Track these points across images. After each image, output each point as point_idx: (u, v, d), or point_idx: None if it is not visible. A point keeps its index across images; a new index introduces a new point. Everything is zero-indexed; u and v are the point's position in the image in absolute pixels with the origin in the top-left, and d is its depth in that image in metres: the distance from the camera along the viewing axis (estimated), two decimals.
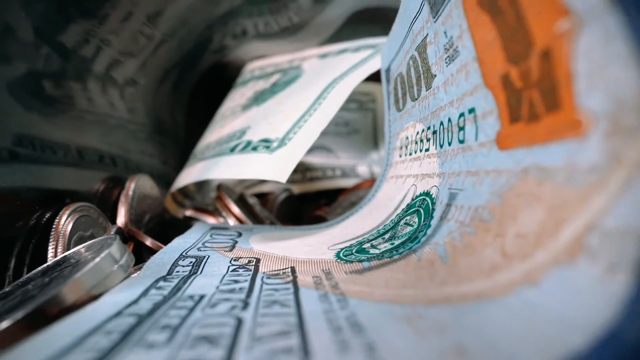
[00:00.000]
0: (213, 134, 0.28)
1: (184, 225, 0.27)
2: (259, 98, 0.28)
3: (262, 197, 0.32)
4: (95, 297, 0.11)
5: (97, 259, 0.12)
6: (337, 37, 0.34)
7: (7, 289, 0.14)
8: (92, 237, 0.19)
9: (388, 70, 0.21)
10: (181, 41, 0.34)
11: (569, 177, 0.08)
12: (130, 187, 0.23)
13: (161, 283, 0.12)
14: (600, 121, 0.07)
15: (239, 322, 0.08)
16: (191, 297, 0.10)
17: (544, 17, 0.08)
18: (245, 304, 0.10)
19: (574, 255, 0.07)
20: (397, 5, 0.18)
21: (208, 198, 0.32)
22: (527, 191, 0.09)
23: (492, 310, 0.08)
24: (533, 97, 0.09)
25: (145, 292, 0.11)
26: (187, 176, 0.25)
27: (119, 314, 0.09)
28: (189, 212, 0.25)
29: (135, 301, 0.10)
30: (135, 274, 0.13)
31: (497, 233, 0.09)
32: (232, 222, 0.23)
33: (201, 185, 0.32)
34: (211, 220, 0.24)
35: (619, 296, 0.06)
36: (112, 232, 0.19)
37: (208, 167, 0.23)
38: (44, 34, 0.22)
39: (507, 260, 0.09)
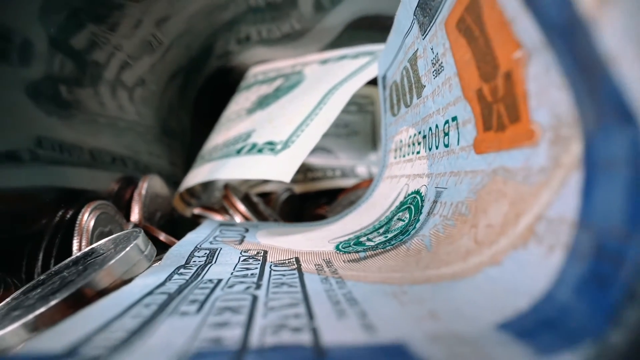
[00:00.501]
0: (220, 136, 0.30)
1: (192, 222, 0.28)
2: (263, 102, 0.30)
3: (265, 196, 0.34)
4: (125, 282, 0.13)
5: (127, 249, 0.13)
6: (337, 42, 0.35)
7: (41, 277, 0.16)
8: (110, 232, 0.21)
9: (384, 78, 0.23)
10: (187, 46, 0.35)
11: (525, 177, 0.09)
12: (143, 186, 0.24)
13: (182, 270, 0.14)
14: (546, 132, 0.09)
15: (254, 297, 0.10)
16: (210, 280, 0.12)
17: (505, 46, 0.10)
18: (258, 285, 0.11)
19: (527, 240, 0.09)
20: (393, 14, 0.19)
21: (213, 197, 0.34)
22: (496, 189, 0.11)
23: (462, 286, 0.09)
24: (500, 109, 0.10)
25: (169, 277, 0.13)
26: (196, 176, 0.27)
27: (151, 292, 0.11)
28: (197, 210, 0.27)
29: (162, 283, 0.12)
30: (156, 264, 0.15)
31: (472, 224, 0.11)
32: (238, 219, 0.25)
33: (207, 185, 0.34)
34: (218, 217, 0.26)
35: (555, 269, 0.08)
36: (130, 228, 0.21)
37: (216, 168, 0.25)
38: (59, 42, 0.23)
39: (479, 246, 0.10)
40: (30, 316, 0.11)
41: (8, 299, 0.14)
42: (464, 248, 0.11)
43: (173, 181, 0.33)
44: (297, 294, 0.10)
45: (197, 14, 0.34)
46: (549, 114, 0.08)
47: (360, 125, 0.40)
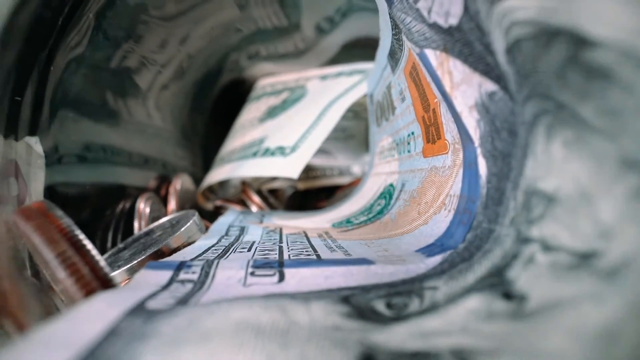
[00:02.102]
0: (236, 141, 0.37)
1: (211, 214, 0.35)
2: (272, 113, 0.37)
3: (273, 192, 0.41)
4: (189, 244, 0.20)
5: (189, 223, 0.20)
6: (335, 59, 0.42)
7: (120, 246, 0.23)
8: (158, 217, 0.28)
9: (372, 96, 0.30)
10: (205, 61, 0.43)
11: (443, 171, 0.16)
12: (177, 182, 0.32)
13: (224, 237, 0.21)
14: (450, 145, 0.16)
15: (280, 247, 0.17)
16: (247, 241, 0.19)
17: (430, 94, 0.17)
18: (280, 242, 0.18)
19: (441, 208, 0.16)
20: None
21: (228, 193, 0.41)
22: (430, 179, 0.18)
23: (405, 237, 0.17)
24: (432, 130, 0.18)
25: (219, 240, 0.20)
26: (218, 175, 0.34)
27: (212, 246, 0.18)
28: (219, 202, 0.34)
29: (217, 242, 0.19)
30: (204, 235, 0.22)
31: (417, 203, 0.18)
32: (254, 209, 0.32)
33: (223, 183, 0.41)
34: (237, 208, 0.33)
35: (448, 221, 0.15)
36: (173, 214, 0.28)
37: (236, 168, 0.32)
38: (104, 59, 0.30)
39: (419, 215, 0.18)
40: (134, 262, 0.18)
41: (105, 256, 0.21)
42: (411, 217, 0.18)
43: (195, 179, 0.40)
44: (306, 244, 0.17)
45: (215, 33, 0.41)
46: (450, 136, 0.16)
47: (356, 130, 0.47)
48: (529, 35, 0.09)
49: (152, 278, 0.12)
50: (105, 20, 0.26)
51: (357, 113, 0.48)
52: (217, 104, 0.47)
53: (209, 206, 0.37)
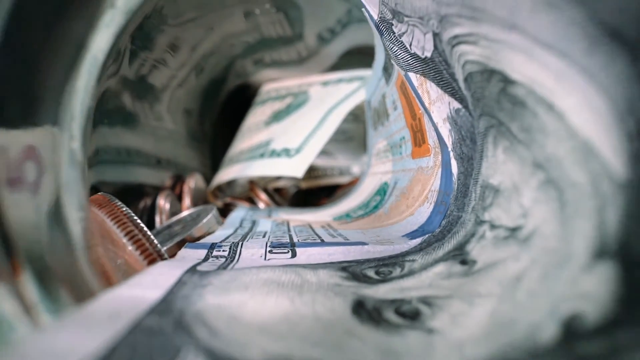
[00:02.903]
0: (243, 143, 0.41)
1: (221, 211, 0.39)
2: (277, 117, 0.40)
3: (277, 191, 0.44)
4: (208, 234, 0.23)
5: (209, 216, 0.24)
6: (335, 66, 0.46)
7: None
8: (175, 213, 0.31)
9: (369, 102, 0.34)
10: (213, 67, 0.46)
11: (427, 171, 0.20)
12: (191, 181, 0.35)
13: (240, 228, 0.24)
14: (432, 149, 0.19)
15: (290, 235, 0.21)
16: (260, 231, 0.23)
17: (415, 105, 0.20)
18: (289, 231, 0.22)
19: (424, 201, 0.19)
20: None
21: (235, 192, 0.45)
22: (417, 178, 0.21)
23: (395, 226, 0.20)
24: (418, 136, 0.21)
25: (235, 230, 0.23)
26: (228, 174, 0.38)
27: (231, 234, 0.21)
28: (229, 199, 0.38)
29: (234, 232, 0.22)
30: (220, 227, 0.25)
31: (406, 197, 0.22)
32: (262, 206, 0.35)
33: (230, 182, 0.45)
34: (245, 205, 0.37)
35: (429, 212, 0.18)
36: (189, 210, 0.32)
37: (245, 168, 0.36)
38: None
39: (407, 208, 0.21)
40: (164, 248, 0.22)
41: None
42: (401, 210, 0.21)
43: (204, 178, 0.43)
44: (311, 232, 0.21)
45: (222, 40, 0.44)
46: (432, 141, 0.19)
47: (355, 132, 0.51)
48: (477, 71, 0.12)
49: (192, 254, 0.15)
50: (137, 37, 0.29)
51: (357, 116, 0.52)
52: (224, 108, 0.51)
53: (219, 203, 0.41)
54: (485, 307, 0.10)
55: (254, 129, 0.42)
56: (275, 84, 0.48)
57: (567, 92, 0.09)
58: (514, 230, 0.11)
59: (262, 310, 0.10)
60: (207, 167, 0.47)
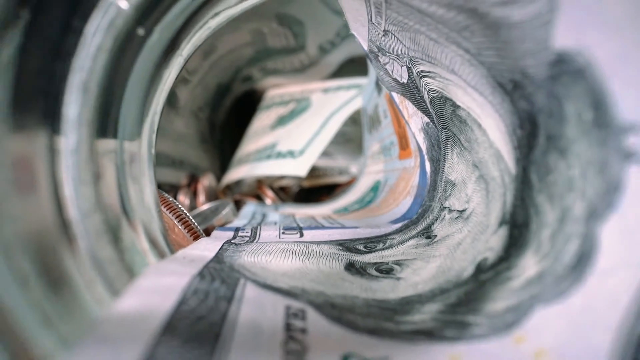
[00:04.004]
0: (251, 145, 0.46)
1: None
2: (282, 121, 0.45)
3: (282, 189, 0.49)
4: (225, 224, 0.28)
5: (227, 209, 0.29)
6: (335, 73, 0.51)
7: None
8: (192, 208, 0.36)
9: (365, 109, 0.39)
10: (220, 73, 0.51)
11: (410, 170, 0.25)
12: (205, 180, 0.40)
13: (252, 219, 0.29)
14: (413, 152, 0.24)
15: (297, 223, 0.26)
16: (271, 221, 0.28)
17: (399, 116, 0.25)
18: (295, 221, 0.27)
19: (407, 195, 0.24)
20: None
21: (242, 190, 0.49)
22: (402, 176, 0.26)
23: (383, 215, 0.25)
24: (403, 141, 0.26)
25: (250, 221, 0.28)
26: (237, 173, 0.42)
27: (247, 223, 0.26)
28: (237, 197, 0.43)
29: (249, 222, 0.27)
30: (236, 219, 0.30)
31: (394, 192, 0.27)
32: (268, 202, 0.40)
33: (238, 181, 0.50)
34: (253, 201, 0.42)
35: (410, 202, 0.23)
36: (206, 205, 0.36)
37: (253, 168, 0.41)
38: None
39: (394, 201, 0.26)
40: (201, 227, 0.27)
41: None
42: (389, 203, 0.26)
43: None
44: (314, 221, 0.26)
45: (230, 51, 0.49)
46: (413, 146, 0.24)
47: (354, 134, 0.55)
48: (436, 97, 0.17)
49: (223, 234, 0.20)
50: None
51: (355, 120, 0.56)
52: (231, 112, 0.56)
53: (228, 200, 0.45)
54: (435, 263, 0.15)
55: (261, 132, 0.47)
56: (279, 90, 0.53)
57: (486, 116, 0.14)
58: (461, 212, 0.16)
59: (282, 265, 0.15)
60: (216, 167, 0.51)
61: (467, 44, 0.12)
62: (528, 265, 0.11)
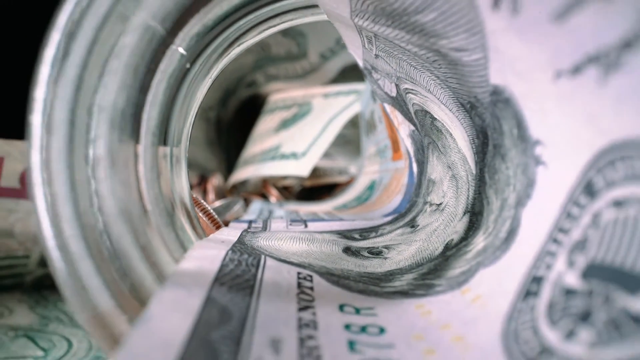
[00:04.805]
0: (256, 147, 0.49)
1: None
2: (285, 124, 0.49)
3: (285, 188, 0.53)
4: (237, 218, 0.32)
5: (239, 205, 0.33)
6: (335, 79, 0.55)
7: None
8: None
9: (363, 114, 0.42)
10: (226, 78, 0.55)
11: (401, 170, 0.29)
12: (215, 179, 0.44)
13: (260, 215, 0.33)
14: (404, 155, 0.28)
15: (301, 217, 0.29)
16: (278, 216, 0.31)
17: (391, 123, 0.29)
18: (299, 216, 0.31)
19: (398, 193, 0.28)
20: None
21: (247, 189, 0.53)
22: (395, 176, 0.30)
23: (376, 210, 0.29)
24: (395, 144, 0.30)
25: (258, 216, 0.32)
26: (243, 173, 0.46)
27: (257, 218, 0.30)
28: (244, 195, 0.46)
29: (257, 217, 0.31)
30: (246, 214, 0.34)
31: (387, 190, 0.31)
32: (273, 200, 0.44)
33: (243, 181, 0.53)
34: (259, 199, 0.45)
35: (400, 199, 0.27)
36: (218, 203, 0.40)
37: (258, 168, 0.44)
38: None
39: (387, 198, 0.30)
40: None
41: None
42: (383, 199, 0.30)
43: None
44: (316, 215, 0.30)
45: (235, 58, 0.53)
46: (404, 148, 0.28)
47: (353, 136, 0.59)
48: (419, 110, 0.21)
49: (239, 225, 0.24)
50: None
51: (354, 123, 0.60)
52: (236, 115, 0.59)
53: (238, 197, 0.49)
54: (415, 245, 0.19)
55: (265, 135, 0.51)
56: (281, 95, 0.57)
57: (454, 128, 0.17)
58: (438, 205, 0.20)
59: (291, 247, 0.19)
60: (223, 167, 0.55)
61: (437, 72, 0.16)
62: (478, 242, 0.14)
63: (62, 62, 0.11)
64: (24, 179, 0.31)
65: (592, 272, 0.09)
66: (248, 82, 0.58)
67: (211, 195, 0.43)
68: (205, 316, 0.10)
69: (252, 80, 0.57)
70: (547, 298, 0.10)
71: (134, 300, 0.10)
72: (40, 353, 0.27)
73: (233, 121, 0.60)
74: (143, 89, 0.11)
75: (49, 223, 0.10)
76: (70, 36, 0.11)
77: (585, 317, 0.08)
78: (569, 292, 0.09)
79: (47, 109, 0.11)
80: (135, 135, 0.12)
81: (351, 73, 0.54)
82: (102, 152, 0.10)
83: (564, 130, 0.10)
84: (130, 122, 0.11)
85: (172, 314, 0.10)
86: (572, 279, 0.09)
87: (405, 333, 0.11)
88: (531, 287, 0.10)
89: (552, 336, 0.09)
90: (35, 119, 0.10)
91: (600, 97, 0.09)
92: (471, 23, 0.11)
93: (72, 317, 0.33)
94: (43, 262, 0.36)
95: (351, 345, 0.11)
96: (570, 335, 0.08)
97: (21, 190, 0.32)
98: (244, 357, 0.09)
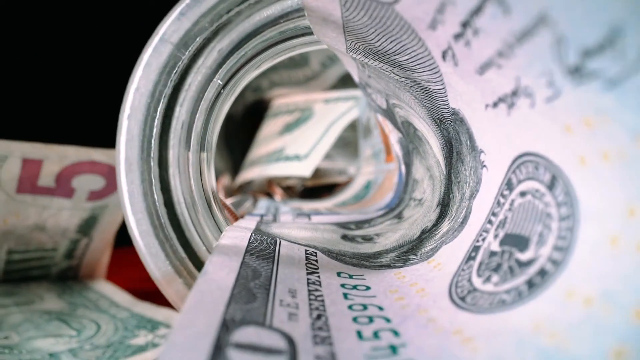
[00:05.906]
0: (261, 149, 0.54)
1: None
2: (288, 128, 0.54)
3: (287, 188, 0.58)
4: (248, 213, 0.37)
5: (249, 202, 0.37)
6: (335, 85, 0.59)
7: None
8: None
9: (360, 119, 0.47)
10: None
11: (392, 171, 0.34)
12: (224, 179, 0.49)
13: (269, 212, 0.38)
14: (394, 157, 0.33)
15: (305, 213, 0.34)
16: (284, 211, 0.36)
17: (384, 129, 0.34)
18: (303, 211, 0.35)
19: (390, 190, 0.33)
20: None
21: (253, 188, 0.58)
22: (388, 176, 0.35)
23: (371, 206, 0.34)
24: (387, 148, 0.35)
25: (266, 212, 0.37)
26: (250, 174, 0.51)
27: (266, 213, 0.35)
28: (250, 194, 0.51)
29: (266, 212, 0.36)
30: (255, 210, 0.39)
31: (381, 189, 0.35)
32: (277, 198, 0.49)
33: (249, 181, 0.58)
34: (264, 197, 0.50)
35: (392, 195, 0.32)
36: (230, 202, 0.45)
37: (264, 169, 0.49)
38: None
39: (381, 195, 0.35)
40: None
41: None
42: (377, 197, 0.35)
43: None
44: (318, 210, 0.34)
45: None
46: (394, 152, 0.33)
47: (352, 138, 0.64)
48: (404, 121, 0.26)
49: (253, 218, 0.29)
50: None
51: (353, 126, 0.65)
52: (242, 119, 0.64)
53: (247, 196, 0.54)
54: (400, 232, 0.23)
55: (270, 138, 0.56)
56: (284, 100, 0.62)
57: (430, 137, 0.22)
58: (420, 200, 0.25)
59: (298, 234, 0.23)
60: (230, 168, 0.60)
61: (415, 94, 0.21)
62: (444, 226, 0.19)
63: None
64: (59, 179, 0.36)
65: (505, 240, 0.14)
66: (253, 88, 0.62)
67: (221, 194, 0.47)
68: (243, 273, 0.15)
69: (257, 86, 0.62)
70: (479, 260, 0.15)
71: (191, 263, 0.15)
72: (73, 332, 0.32)
73: (239, 125, 0.65)
74: (195, 111, 0.16)
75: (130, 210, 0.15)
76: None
77: (496, 268, 0.13)
78: (492, 254, 0.14)
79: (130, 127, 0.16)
80: (187, 144, 0.16)
81: (349, 80, 0.58)
82: (172, 158, 0.15)
83: (494, 144, 0.15)
84: (187, 136, 0.16)
85: (222, 270, 0.14)
86: (495, 246, 0.14)
87: (384, 289, 0.16)
88: (471, 254, 0.15)
89: (477, 282, 0.14)
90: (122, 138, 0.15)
91: (509, 124, 0.13)
92: (432, 65, 0.16)
93: (97, 304, 0.38)
94: (68, 254, 0.41)
95: (345, 295, 0.15)
96: (487, 279, 0.13)
97: (55, 189, 0.36)
98: (271, 298, 0.14)
